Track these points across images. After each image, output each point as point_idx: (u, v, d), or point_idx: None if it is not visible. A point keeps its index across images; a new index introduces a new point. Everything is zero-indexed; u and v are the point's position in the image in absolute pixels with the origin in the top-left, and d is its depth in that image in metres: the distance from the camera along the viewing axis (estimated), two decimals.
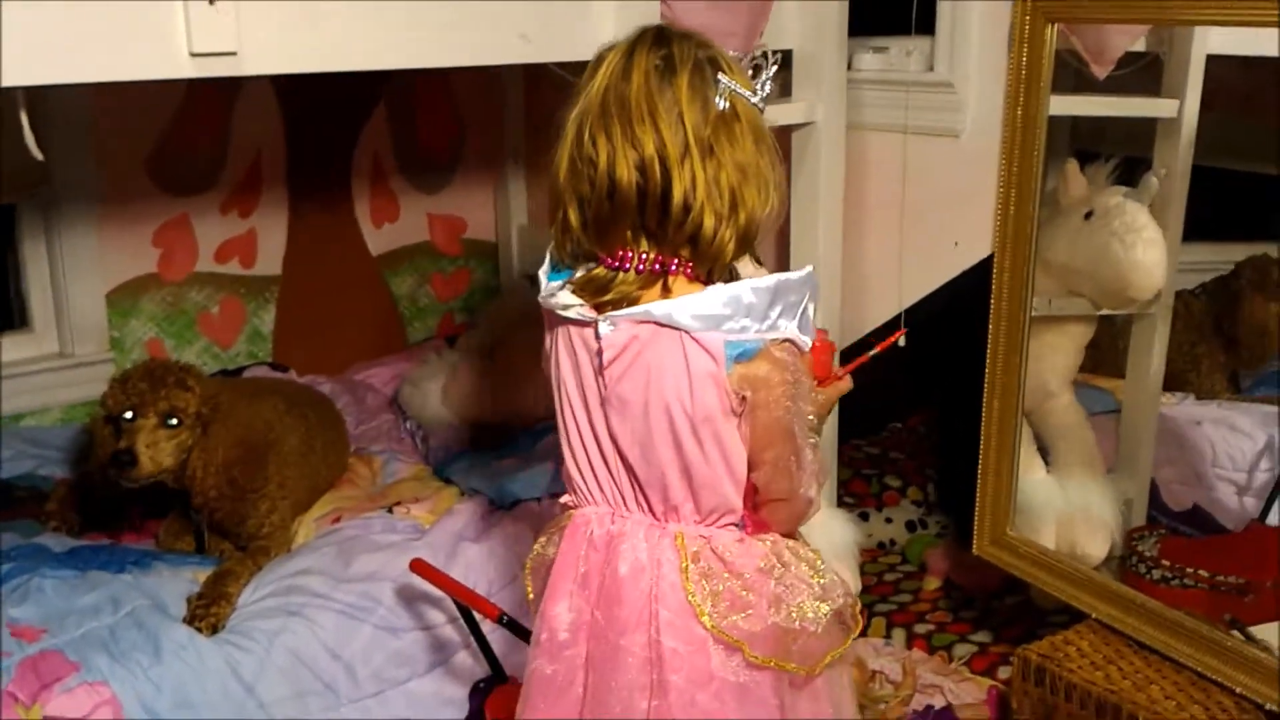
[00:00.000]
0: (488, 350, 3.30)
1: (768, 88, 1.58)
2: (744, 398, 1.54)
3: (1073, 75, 2.63)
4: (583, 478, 1.66)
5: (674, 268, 1.54)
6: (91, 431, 2.59)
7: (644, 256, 1.54)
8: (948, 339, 2.78)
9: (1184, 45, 2.46)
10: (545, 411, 3.07)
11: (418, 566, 2.32)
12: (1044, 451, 2.83)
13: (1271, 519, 2.65)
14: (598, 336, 1.56)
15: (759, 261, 1.70)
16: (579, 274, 1.59)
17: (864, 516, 3.32)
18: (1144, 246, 2.51)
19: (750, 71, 1.58)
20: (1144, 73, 2.59)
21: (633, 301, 1.55)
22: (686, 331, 1.51)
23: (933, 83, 2.66)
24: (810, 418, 1.62)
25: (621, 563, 1.61)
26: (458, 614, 2.37)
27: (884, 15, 2.72)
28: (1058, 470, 2.81)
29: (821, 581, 1.65)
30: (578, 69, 2.26)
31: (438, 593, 2.36)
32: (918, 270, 2.74)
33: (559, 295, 1.60)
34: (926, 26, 2.68)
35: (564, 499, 1.72)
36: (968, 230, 2.61)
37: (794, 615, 1.60)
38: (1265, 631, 2.28)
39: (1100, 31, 2.50)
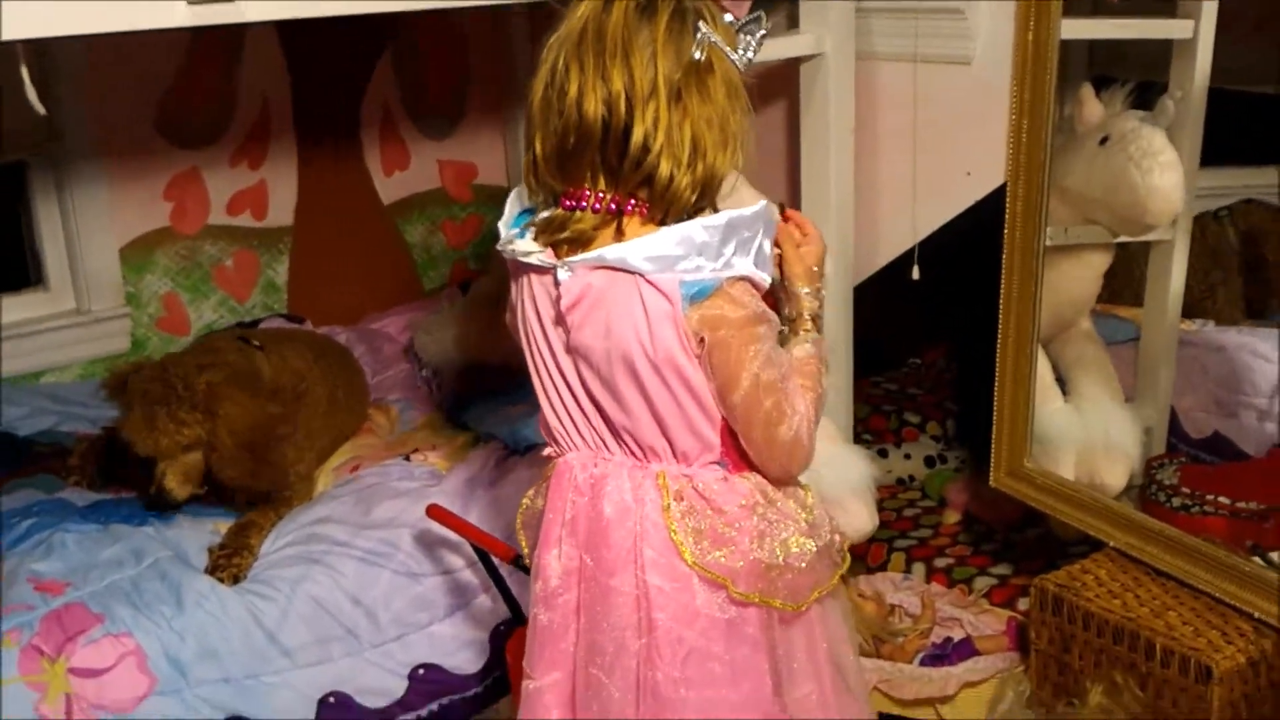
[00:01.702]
0: (498, 296, 3.29)
1: (752, 51, 1.56)
2: (702, 339, 1.52)
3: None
4: (562, 425, 1.65)
5: (629, 208, 1.53)
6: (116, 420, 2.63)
7: (600, 195, 1.53)
8: (965, 271, 2.76)
9: None
10: None
11: (434, 512, 2.34)
12: (1062, 382, 2.81)
13: None
14: (556, 284, 1.55)
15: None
16: (540, 216, 1.58)
17: (883, 453, 3.31)
18: (1160, 171, 2.46)
19: (738, 32, 1.56)
20: None
21: (588, 241, 1.54)
22: (641, 274, 1.50)
23: (942, 9, 2.61)
24: (815, 315, 1.63)
25: (606, 504, 1.61)
26: (476, 558, 2.38)
27: None
28: (1076, 400, 2.79)
29: (809, 518, 1.64)
30: None
31: (456, 538, 2.37)
32: (931, 201, 2.70)
33: (517, 243, 1.58)
34: None
35: (546, 451, 1.72)
36: (981, 159, 2.57)
37: (778, 551, 1.60)
38: None
39: None
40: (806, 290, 1.69)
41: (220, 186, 3.36)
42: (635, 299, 1.51)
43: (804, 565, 1.62)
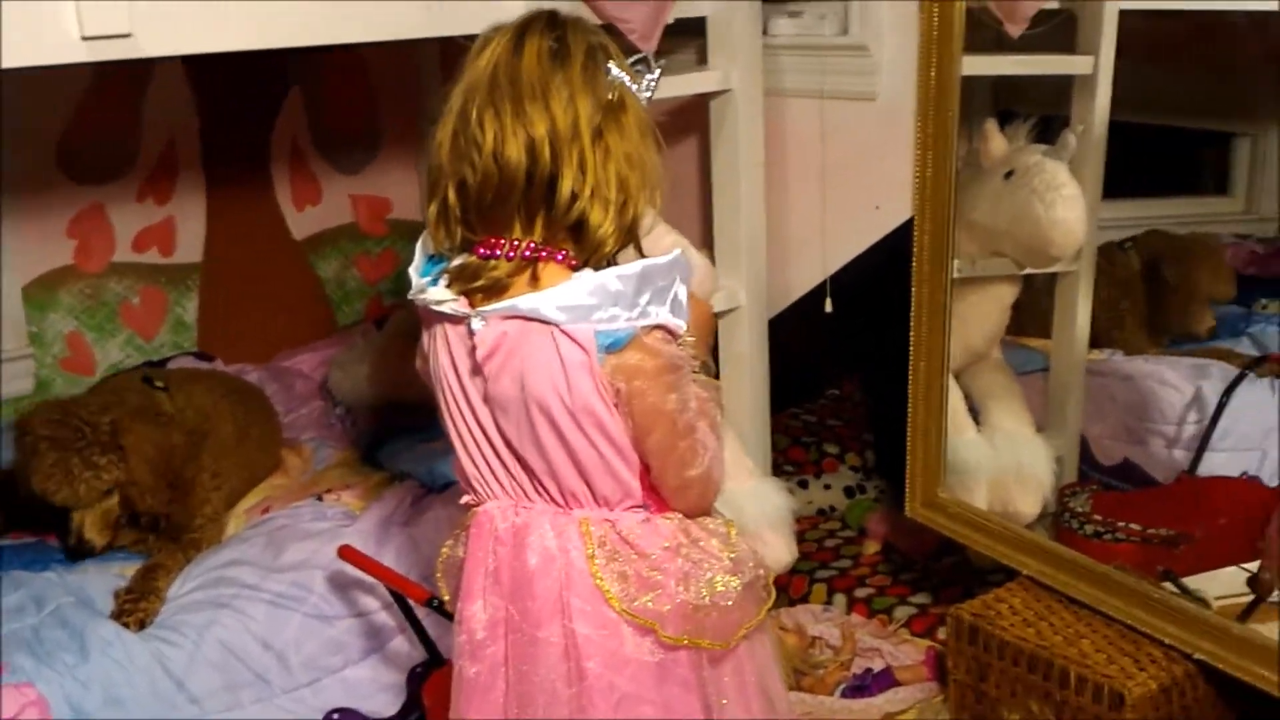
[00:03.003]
0: (417, 331, 3.26)
1: (650, 91, 1.56)
2: (618, 389, 1.51)
3: (994, 35, 2.62)
4: (480, 474, 1.63)
5: (544, 255, 1.51)
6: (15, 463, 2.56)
7: (515, 243, 1.51)
8: (877, 303, 2.78)
9: (1096, 1, 2.46)
10: None
11: (346, 553, 2.30)
12: (974, 412, 2.84)
13: (1201, 470, 2.69)
14: (470, 333, 1.53)
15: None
16: (453, 264, 1.55)
17: (803, 484, 3.33)
18: (1064, 204, 2.51)
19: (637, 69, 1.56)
20: (1060, 30, 2.59)
21: (503, 289, 1.51)
22: (555, 324, 1.48)
23: (847, 46, 2.65)
24: (695, 360, 1.60)
25: (530, 554, 1.59)
26: (391, 599, 2.35)
27: None
28: (988, 430, 2.82)
29: (732, 555, 1.63)
30: None
31: (371, 579, 2.34)
32: (841, 235, 2.73)
33: (430, 291, 1.55)
34: None
35: (464, 499, 1.69)
36: (889, 193, 2.60)
37: (704, 591, 1.59)
38: (1198, 581, 2.31)
39: None
40: (687, 346, 1.65)
41: (126, 223, 3.29)
42: (550, 349, 1.49)
43: (730, 603, 1.60)
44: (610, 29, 2.30)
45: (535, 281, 1.51)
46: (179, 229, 3.39)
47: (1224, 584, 2.27)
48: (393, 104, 3.74)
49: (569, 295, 1.48)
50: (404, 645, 2.48)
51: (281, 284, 3.60)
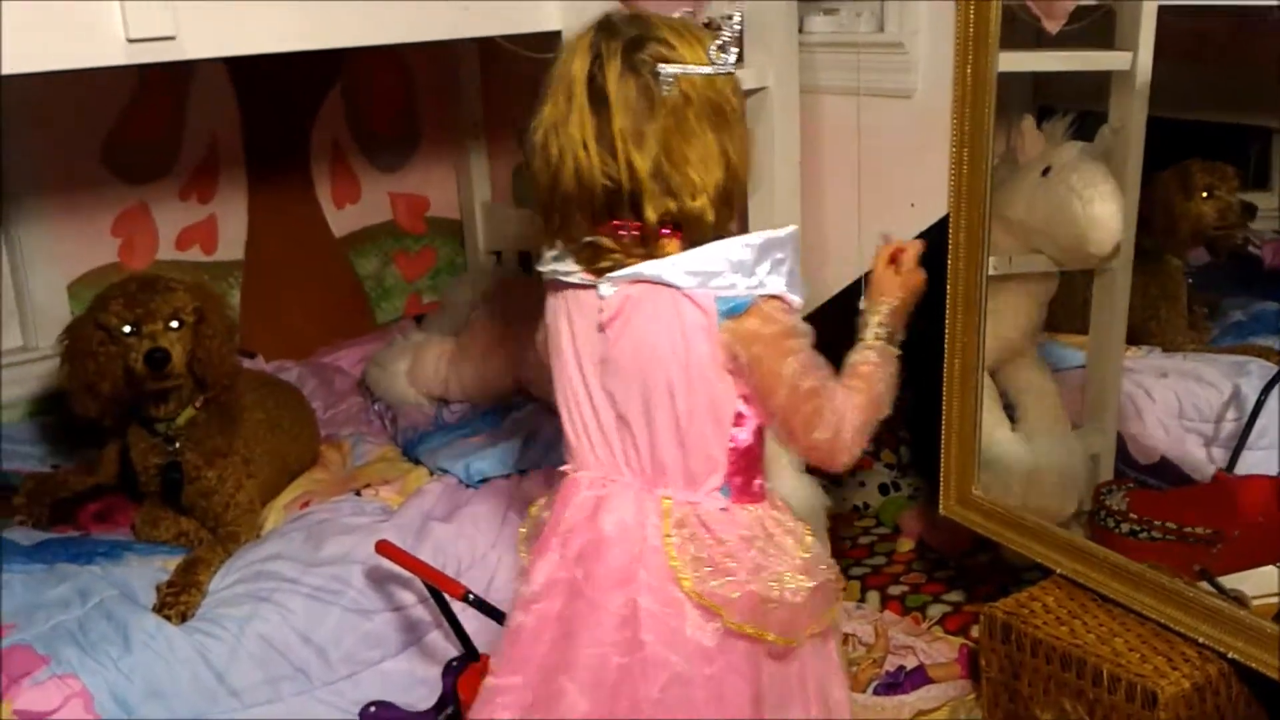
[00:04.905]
0: (455, 328, 3.29)
1: (729, 55, 1.59)
2: (735, 355, 1.57)
3: (1034, 32, 2.61)
4: (579, 442, 1.70)
5: (665, 233, 1.58)
6: (76, 359, 2.58)
7: (632, 224, 1.59)
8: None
9: None
10: (514, 388, 3.10)
11: (383, 548, 2.33)
12: (1010, 409, 2.83)
13: (1238, 469, 2.67)
14: (597, 300, 1.61)
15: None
16: (582, 242, 1.63)
17: (837, 482, 3.32)
18: (1101, 202, 2.49)
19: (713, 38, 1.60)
20: (1098, 25, 2.57)
21: (622, 266, 1.59)
22: (678, 288, 1.55)
23: (884, 43, 2.64)
24: (883, 328, 1.72)
25: (606, 523, 1.64)
26: (428, 594, 2.37)
27: None
28: (1024, 427, 2.81)
29: (805, 555, 1.67)
30: (527, 41, 2.25)
31: (408, 573, 2.36)
32: (877, 232, 2.72)
33: (560, 263, 1.65)
34: None
35: (564, 466, 1.75)
36: (924, 190, 2.59)
37: (773, 585, 1.62)
38: (1234, 580, 2.29)
39: None
40: (880, 310, 1.76)
41: (169, 221, 3.34)
42: (672, 311, 1.57)
43: (799, 601, 1.63)
44: None
45: (656, 255, 1.59)
46: (221, 227, 3.44)
47: (1261, 583, 2.25)
48: (431, 103, 3.77)
49: (694, 261, 1.56)
50: (440, 639, 2.50)
51: (321, 281, 3.65)
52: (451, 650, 2.47)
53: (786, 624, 1.64)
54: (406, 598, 2.49)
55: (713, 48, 1.58)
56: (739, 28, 1.59)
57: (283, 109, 3.48)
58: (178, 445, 2.59)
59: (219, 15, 1.96)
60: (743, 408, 1.63)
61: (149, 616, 2.32)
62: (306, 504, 2.73)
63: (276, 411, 2.82)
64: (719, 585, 1.59)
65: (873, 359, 1.71)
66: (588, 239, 1.62)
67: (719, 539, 1.62)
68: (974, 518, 2.60)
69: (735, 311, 1.55)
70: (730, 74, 1.60)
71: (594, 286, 1.62)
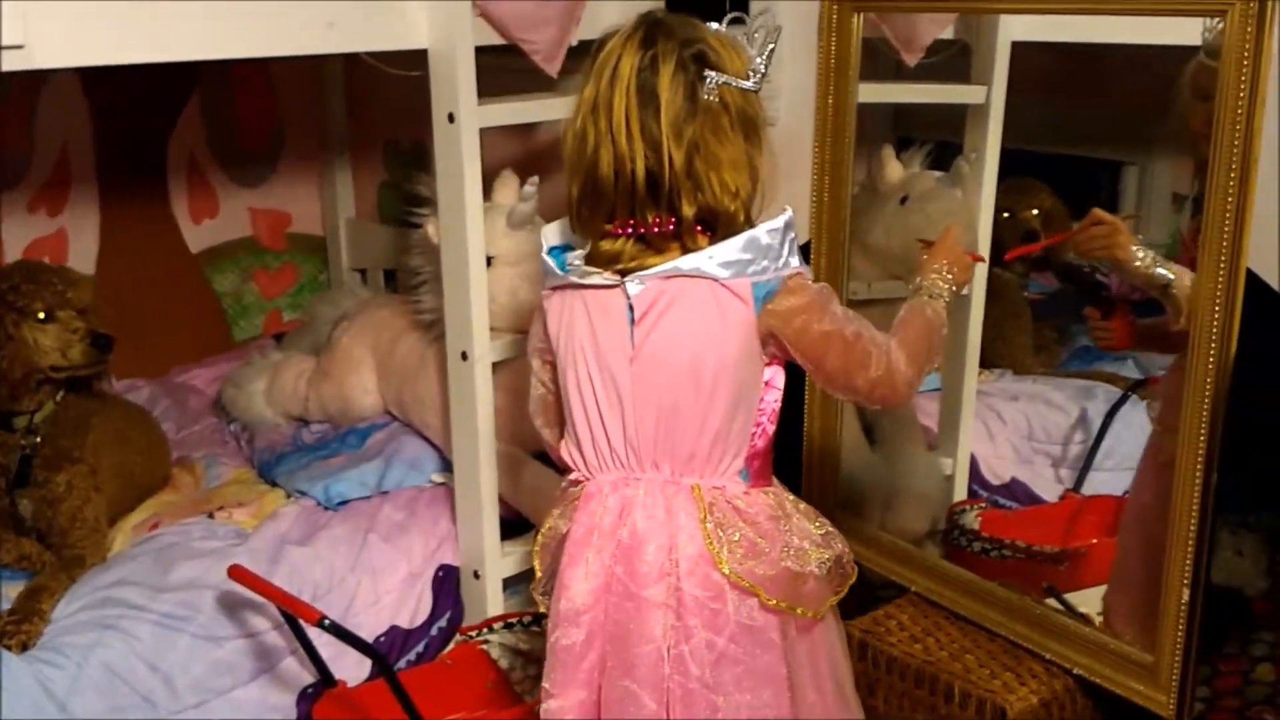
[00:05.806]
0: (316, 347, 3.23)
1: (763, 67, 1.64)
2: (776, 334, 1.63)
3: (893, 64, 2.68)
4: (595, 447, 1.72)
5: (699, 230, 1.63)
6: None
7: (658, 219, 1.62)
8: None
9: (990, 32, 2.53)
10: (376, 407, 3.05)
11: (236, 573, 2.27)
12: (869, 430, 2.89)
13: (1085, 489, 2.76)
14: (627, 297, 1.64)
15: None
16: (600, 246, 1.67)
17: None
18: (956, 230, 2.56)
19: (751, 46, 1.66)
20: (956, 60, 2.65)
21: (645, 266, 1.63)
22: (716, 279, 1.60)
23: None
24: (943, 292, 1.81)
25: (639, 520, 1.67)
26: (282, 620, 2.32)
27: (698, 3, 2.72)
28: (882, 448, 2.87)
29: (821, 531, 1.74)
30: (390, 58, 2.22)
31: (262, 599, 2.31)
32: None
33: (577, 267, 1.68)
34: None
35: (571, 477, 1.77)
36: None
37: (801, 560, 1.68)
38: (1080, 598, 2.37)
39: (909, 20, 2.57)
40: (937, 273, 1.84)
41: (16, 234, 3.21)
42: (710, 303, 1.61)
43: (825, 573, 1.71)
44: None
45: (684, 251, 1.63)
46: (71, 241, 3.32)
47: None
48: (295, 118, 3.70)
49: (727, 252, 1.61)
50: (295, 666, 2.44)
51: (176, 298, 3.54)
52: (307, 677, 2.41)
53: (814, 597, 1.72)
54: (260, 624, 2.43)
55: (757, 61, 1.64)
56: (773, 46, 1.65)
57: (138, 120, 3.38)
58: (39, 439, 2.51)
59: (72, 25, 1.90)
60: (767, 394, 1.69)
61: None
62: (155, 526, 2.64)
63: (124, 426, 2.73)
64: (755, 565, 1.65)
65: (914, 304, 1.81)
66: (606, 243, 1.66)
67: (750, 520, 1.68)
68: None
69: (770, 294, 1.61)
70: (759, 90, 1.65)
71: (616, 286, 1.65)
